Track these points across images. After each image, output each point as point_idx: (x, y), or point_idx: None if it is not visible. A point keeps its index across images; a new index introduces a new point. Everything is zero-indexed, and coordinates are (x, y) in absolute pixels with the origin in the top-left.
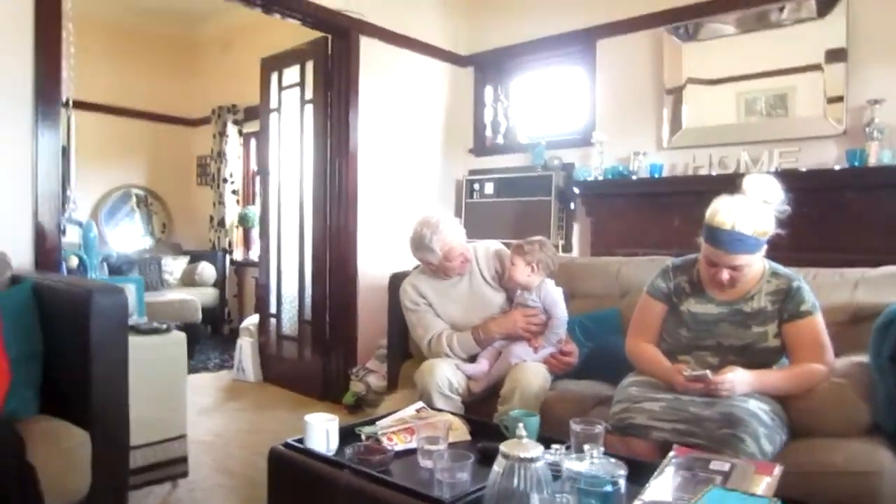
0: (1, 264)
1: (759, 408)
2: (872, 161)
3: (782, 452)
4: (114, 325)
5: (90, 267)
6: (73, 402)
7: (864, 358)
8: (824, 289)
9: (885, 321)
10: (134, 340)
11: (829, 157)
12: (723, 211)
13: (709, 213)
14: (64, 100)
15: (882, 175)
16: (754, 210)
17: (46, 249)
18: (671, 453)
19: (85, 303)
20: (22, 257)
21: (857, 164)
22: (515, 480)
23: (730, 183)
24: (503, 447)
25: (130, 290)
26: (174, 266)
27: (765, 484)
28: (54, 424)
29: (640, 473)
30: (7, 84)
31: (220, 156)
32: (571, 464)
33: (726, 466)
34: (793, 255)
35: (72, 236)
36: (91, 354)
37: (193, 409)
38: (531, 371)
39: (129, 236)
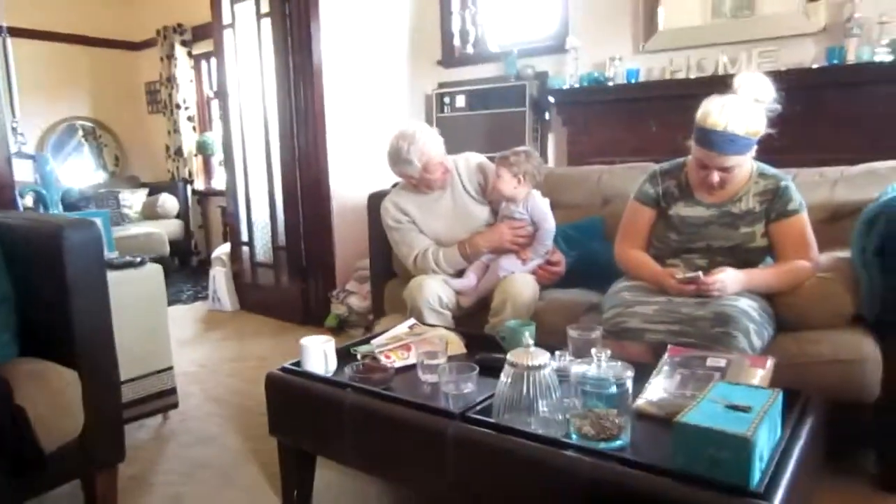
0: None
1: (749, 305)
2: (851, 58)
3: (771, 346)
4: (90, 260)
5: (50, 203)
6: (56, 342)
7: (845, 253)
8: (805, 188)
9: (869, 216)
10: (109, 276)
11: (808, 55)
12: (715, 112)
13: (700, 114)
14: None
15: (861, 72)
16: (746, 109)
17: None
18: (666, 354)
19: (56, 239)
20: None
21: (836, 61)
22: (524, 387)
23: (709, 86)
24: (510, 356)
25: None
26: (133, 199)
27: (759, 376)
28: (39, 366)
29: (636, 375)
30: None
31: (171, 81)
32: (579, 368)
33: (722, 362)
34: (773, 157)
35: (21, 174)
36: (69, 292)
37: (174, 342)
38: (521, 282)
39: (79, 172)
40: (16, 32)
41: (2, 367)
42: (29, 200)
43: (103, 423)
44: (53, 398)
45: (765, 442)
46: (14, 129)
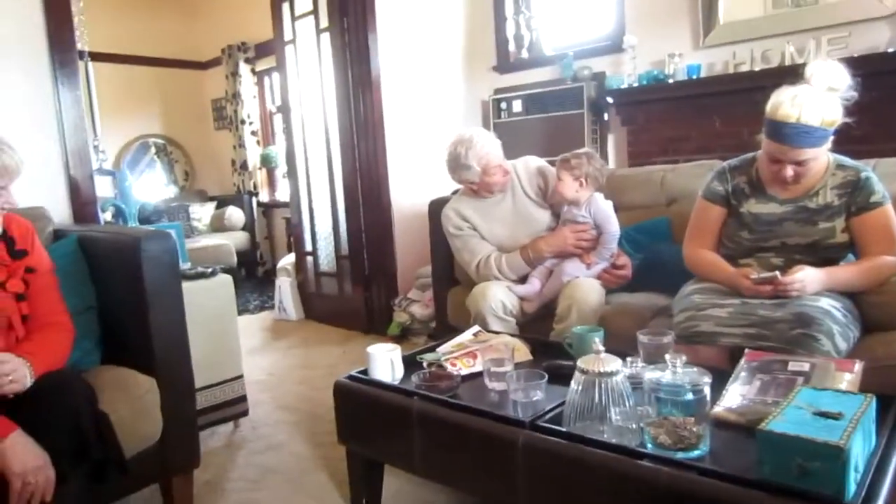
0: (42, 220)
1: (831, 305)
2: None
3: (856, 349)
4: (166, 270)
5: (129, 216)
6: (135, 350)
7: None
8: (887, 179)
9: None
10: (183, 286)
11: (882, 39)
12: (786, 103)
13: (770, 106)
14: (79, 50)
15: None
16: (820, 99)
17: (82, 202)
18: (743, 359)
19: (134, 250)
20: (60, 212)
21: None
22: (595, 395)
23: (777, 77)
24: (580, 363)
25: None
26: (202, 212)
27: (847, 381)
28: (120, 373)
29: (712, 381)
30: (21, 37)
31: (236, 97)
32: (653, 374)
33: (806, 366)
34: (851, 148)
35: (101, 189)
36: (147, 301)
37: (243, 351)
38: (586, 287)
39: (152, 187)
40: (93, 56)
41: (86, 374)
42: (108, 215)
43: (180, 429)
44: (134, 404)
45: (859, 451)
46: (96, 147)
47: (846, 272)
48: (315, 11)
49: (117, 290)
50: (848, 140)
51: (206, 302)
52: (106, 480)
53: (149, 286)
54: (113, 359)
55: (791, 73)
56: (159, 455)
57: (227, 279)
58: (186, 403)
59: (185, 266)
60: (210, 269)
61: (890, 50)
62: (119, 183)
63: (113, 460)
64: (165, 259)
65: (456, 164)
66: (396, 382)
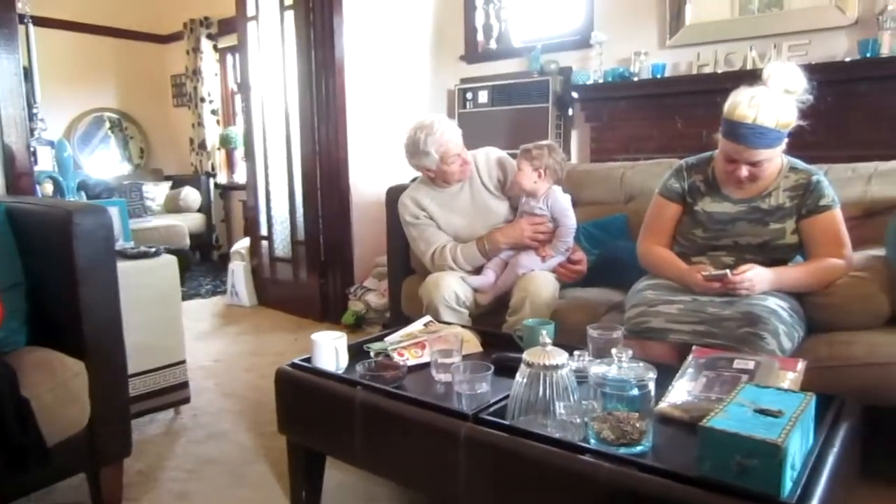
0: None
1: (778, 305)
2: (886, 51)
3: (801, 348)
4: (99, 247)
5: (66, 189)
6: (65, 331)
7: (880, 251)
8: (837, 184)
9: None
10: (122, 266)
11: (840, 49)
12: (743, 103)
13: (728, 106)
14: (20, 14)
15: None
16: (776, 101)
17: (17, 174)
18: (690, 355)
19: (66, 224)
20: None
21: (869, 54)
22: (540, 388)
23: (737, 80)
24: (526, 355)
25: (114, 213)
26: (156, 192)
27: (790, 379)
28: (47, 355)
29: (659, 376)
30: None
31: (196, 74)
32: (598, 369)
33: (751, 364)
34: (804, 152)
35: (45, 163)
36: (78, 279)
37: (190, 335)
38: (540, 280)
39: (105, 163)
40: (45, 22)
41: (9, 356)
42: (48, 188)
43: (110, 415)
44: (59, 389)
45: (797, 449)
46: (34, 115)
47: (794, 273)
48: None
49: (48, 266)
50: (802, 145)
51: (148, 282)
52: (26, 469)
53: (80, 263)
54: (41, 340)
55: (752, 77)
56: (86, 443)
57: (172, 259)
58: (118, 389)
59: (127, 245)
60: (153, 249)
61: (847, 59)
62: (58, 154)
63: (33, 448)
64: (100, 234)
65: (414, 150)
66: (340, 371)
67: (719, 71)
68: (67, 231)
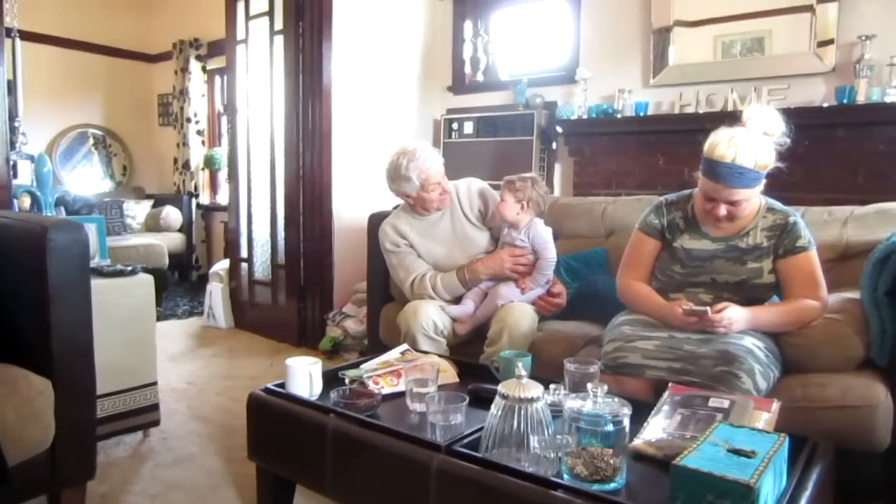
0: None
1: (754, 344)
2: (861, 99)
3: (776, 389)
4: (74, 263)
5: (44, 204)
6: (33, 348)
7: (854, 294)
8: (814, 226)
9: (882, 255)
10: (97, 283)
11: (818, 94)
12: (723, 143)
13: (707, 145)
14: (7, 28)
15: (872, 112)
16: (755, 142)
17: None
18: (666, 392)
19: (40, 239)
20: None
21: (846, 101)
22: (515, 421)
23: (718, 121)
24: (502, 387)
25: (91, 230)
26: (137, 210)
27: (764, 419)
28: (12, 372)
29: (635, 412)
30: None
31: (183, 93)
32: (573, 403)
33: (725, 403)
34: (781, 194)
35: (24, 177)
36: (49, 295)
37: (164, 357)
38: (519, 312)
39: (87, 180)
40: (33, 37)
41: None
42: (26, 203)
43: (75, 436)
44: (23, 407)
45: (769, 490)
46: (16, 129)
47: (771, 313)
48: (270, 12)
49: (20, 281)
50: (780, 186)
51: (123, 301)
52: None
53: (53, 279)
54: (8, 356)
55: (732, 118)
56: (49, 464)
57: (148, 279)
58: (85, 409)
59: (104, 262)
60: (130, 267)
61: (825, 104)
62: (37, 168)
63: None
64: (74, 251)
65: (396, 174)
66: (314, 398)
67: (700, 111)
68: (41, 246)
